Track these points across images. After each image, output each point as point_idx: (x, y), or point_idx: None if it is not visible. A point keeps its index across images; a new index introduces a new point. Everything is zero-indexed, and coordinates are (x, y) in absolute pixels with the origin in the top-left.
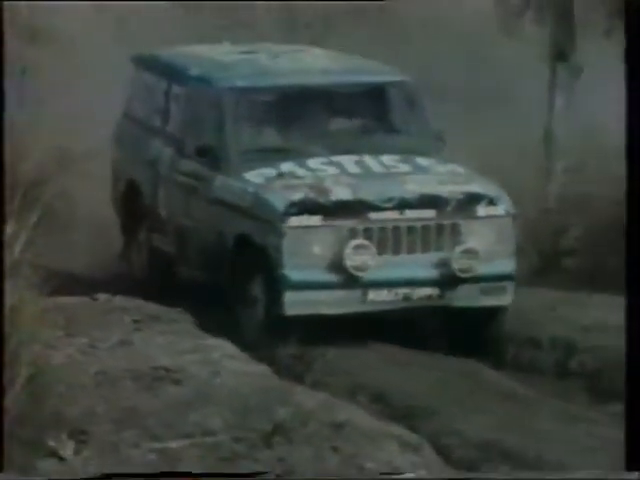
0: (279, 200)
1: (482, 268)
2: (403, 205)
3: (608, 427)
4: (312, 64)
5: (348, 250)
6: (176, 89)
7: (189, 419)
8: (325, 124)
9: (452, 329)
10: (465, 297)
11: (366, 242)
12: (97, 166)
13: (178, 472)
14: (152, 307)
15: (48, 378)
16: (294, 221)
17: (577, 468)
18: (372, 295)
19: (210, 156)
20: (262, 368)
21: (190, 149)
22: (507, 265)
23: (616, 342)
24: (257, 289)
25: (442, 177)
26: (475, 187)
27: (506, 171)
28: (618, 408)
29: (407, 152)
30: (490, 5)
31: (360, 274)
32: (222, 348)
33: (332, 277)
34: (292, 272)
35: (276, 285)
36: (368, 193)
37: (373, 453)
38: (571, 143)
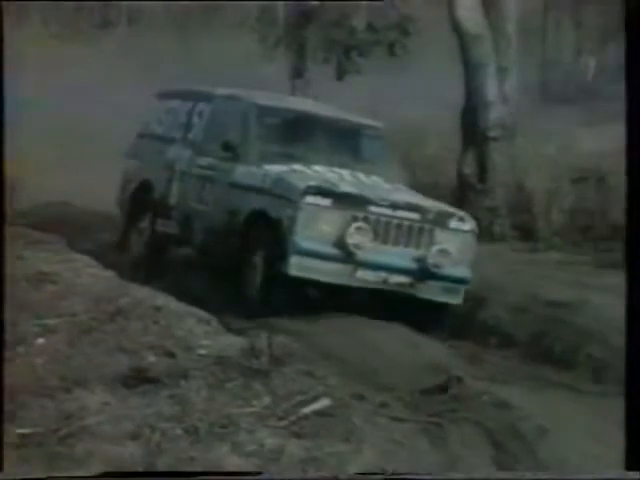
0: (299, 182)
1: (448, 270)
2: (395, 206)
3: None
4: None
5: (351, 230)
6: (200, 106)
7: (61, 305)
8: (323, 145)
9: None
10: (429, 291)
11: (366, 226)
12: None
13: (178, 472)
14: (36, 234)
15: None
16: (310, 199)
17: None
18: (360, 273)
19: (233, 151)
20: (110, 273)
21: (210, 149)
22: (466, 272)
23: None
24: (264, 254)
25: (421, 196)
26: (448, 207)
27: None
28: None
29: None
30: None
31: (357, 251)
32: (83, 260)
33: (332, 251)
34: (302, 241)
35: (285, 249)
36: (368, 193)
37: (180, 325)
38: None
